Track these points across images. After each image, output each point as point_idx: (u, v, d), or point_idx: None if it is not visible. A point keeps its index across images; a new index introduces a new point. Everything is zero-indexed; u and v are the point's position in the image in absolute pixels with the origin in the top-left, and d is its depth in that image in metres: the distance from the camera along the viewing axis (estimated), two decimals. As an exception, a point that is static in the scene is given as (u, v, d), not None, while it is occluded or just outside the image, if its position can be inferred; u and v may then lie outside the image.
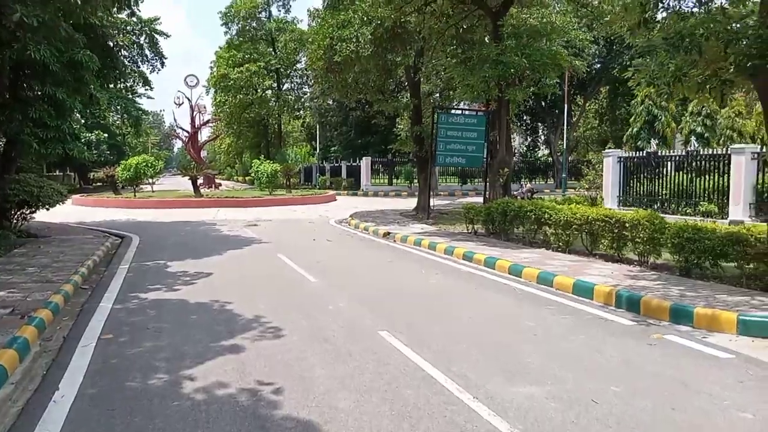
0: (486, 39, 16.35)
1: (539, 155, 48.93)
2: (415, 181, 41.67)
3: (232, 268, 10.46)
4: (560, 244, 11.63)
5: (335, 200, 31.00)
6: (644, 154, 18.32)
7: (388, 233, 15.75)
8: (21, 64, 12.02)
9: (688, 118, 30.28)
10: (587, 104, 46.21)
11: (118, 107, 45.51)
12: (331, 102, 48.23)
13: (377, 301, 7.73)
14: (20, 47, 10.76)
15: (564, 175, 35.11)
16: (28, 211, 14.66)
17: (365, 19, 17.06)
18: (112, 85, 28.25)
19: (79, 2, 8.24)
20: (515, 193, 26.58)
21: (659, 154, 18.84)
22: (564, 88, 34.01)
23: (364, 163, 40.70)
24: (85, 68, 12.64)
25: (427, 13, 16.76)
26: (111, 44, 15.34)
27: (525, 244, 12.71)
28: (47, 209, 14.85)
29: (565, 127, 36.06)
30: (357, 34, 16.90)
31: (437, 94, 22.30)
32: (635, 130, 20.89)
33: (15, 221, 14.60)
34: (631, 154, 18.79)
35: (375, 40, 16.78)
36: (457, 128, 18.02)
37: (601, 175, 20.28)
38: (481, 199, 26.69)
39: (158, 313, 7.22)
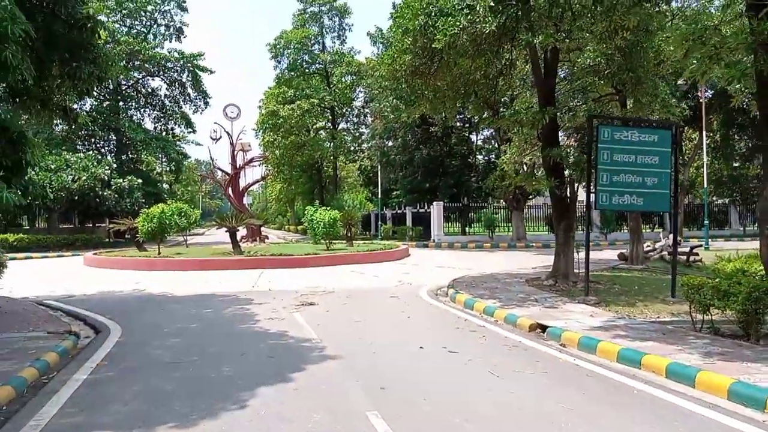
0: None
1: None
2: (498, 229, 35.01)
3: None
4: None
5: (409, 255, 24.43)
6: None
7: (541, 327, 9.02)
8: None
9: None
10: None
11: (156, 149, 41.03)
12: (390, 143, 42.37)
13: None
14: None
15: (706, 222, 27.58)
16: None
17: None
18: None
19: None
20: (648, 250, 19.37)
21: None
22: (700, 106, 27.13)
23: (436, 209, 34.16)
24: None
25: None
26: (83, 18, 9.36)
27: None
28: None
29: (705, 155, 29.03)
30: (471, 2, 10.61)
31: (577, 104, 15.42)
32: None
33: None
34: None
35: (499, 8, 10.45)
36: (630, 150, 11.30)
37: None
38: (599, 255, 19.58)
39: None
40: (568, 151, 12.77)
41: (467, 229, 37.22)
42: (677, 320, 9.18)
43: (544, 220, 37.12)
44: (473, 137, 42.93)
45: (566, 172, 13.49)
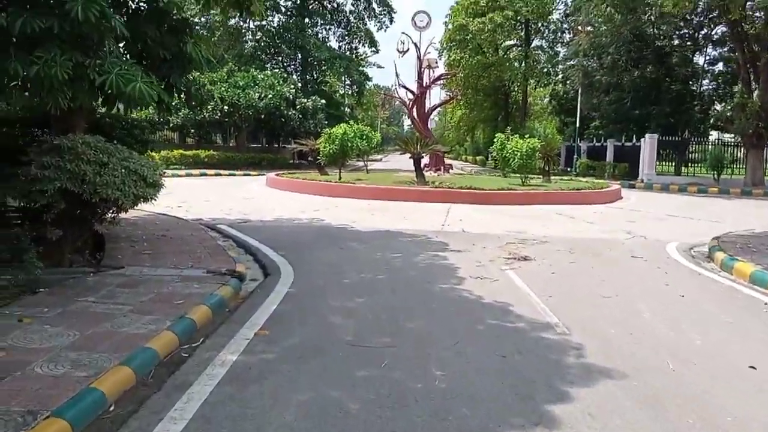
0: None
1: None
2: (726, 170, 28.59)
3: None
4: None
5: (622, 198, 20.34)
6: None
7: None
8: None
9: None
10: None
11: (340, 69, 39.77)
12: (593, 63, 36.59)
13: None
14: None
15: None
16: (82, 214, 7.14)
17: None
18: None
19: None
20: None
21: None
22: None
23: (648, 142, 28.86)
24: None
25: None
26: None
27: None
28: (113, 212, 7.34)
29: None
30: None
31: None
32: None
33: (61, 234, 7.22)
34: None
35: None
36: None
37: None
38: None
39: None
40: None
41: (683, 168, 31.38)
42: None
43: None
44: (697, 58, 35.72)
45: None
